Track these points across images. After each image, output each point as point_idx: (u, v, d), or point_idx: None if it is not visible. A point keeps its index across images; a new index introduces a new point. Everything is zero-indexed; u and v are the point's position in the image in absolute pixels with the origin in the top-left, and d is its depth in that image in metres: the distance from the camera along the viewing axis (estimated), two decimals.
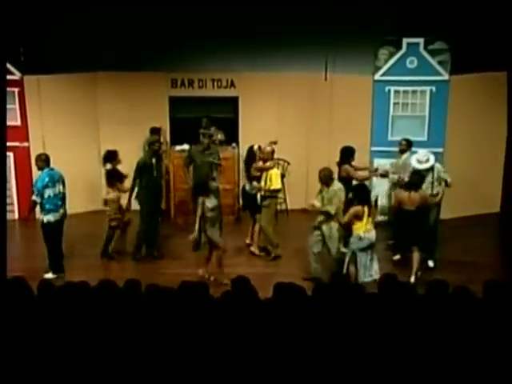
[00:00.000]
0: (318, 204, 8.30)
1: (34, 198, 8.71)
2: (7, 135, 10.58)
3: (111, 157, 9.68)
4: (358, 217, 7.85)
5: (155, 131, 10.76)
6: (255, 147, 9.52)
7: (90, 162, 11.38)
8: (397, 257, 9.25)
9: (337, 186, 8.33)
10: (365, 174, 9.71)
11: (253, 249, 9.53)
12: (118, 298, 5.45)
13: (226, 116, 11.50)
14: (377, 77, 10.71)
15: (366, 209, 7.85)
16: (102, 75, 11.16)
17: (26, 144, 11.06)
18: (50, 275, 8.70)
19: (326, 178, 8.27)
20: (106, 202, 9.47)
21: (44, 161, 8.80)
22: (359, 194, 7.97)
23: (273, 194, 9.27)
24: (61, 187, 8.89)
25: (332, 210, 8.17)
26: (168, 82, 11.36)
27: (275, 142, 9.51)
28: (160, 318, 5.03)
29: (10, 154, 10.97)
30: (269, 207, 9.25)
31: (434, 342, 4.65)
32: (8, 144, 10.61)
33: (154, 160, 9.31)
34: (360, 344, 4.66)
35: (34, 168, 10.21)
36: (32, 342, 4.80)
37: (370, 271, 7.90)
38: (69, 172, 10.97)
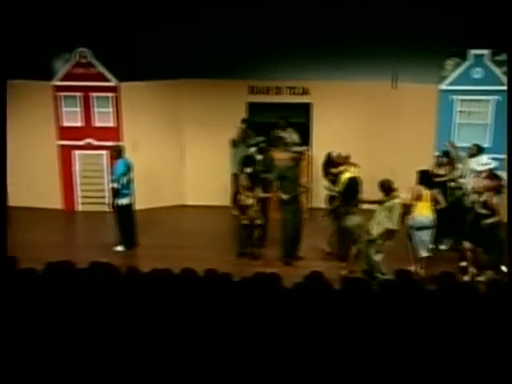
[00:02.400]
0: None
1: (113, 185, 9.33)
2: (103, 135, 11.15)
3: (251, 161, 9.82)
4: (419, 197, 8.01)
5: (245, 121, 10.98)
6: (333, 153, 9.35)
7: (173, 161, 11.67)
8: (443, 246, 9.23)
9: (397, 198, 8.14)
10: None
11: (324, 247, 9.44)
12: (196, 286, 5.48)
13: (298, 121, 11.51)
14: (443, 86, 10.52)
15: (427, 193, 8.00)
16: (188, 82, 11.36)
17: (119, 144, 11.31)
18: (120, 248, 9.43)
19: (385, 188, 8.12)
20: (242, 206, 9.21)
21: (119, 151, 9.49)
22: (424, 177, 8.11)
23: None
24: (132, 175, 9.46)
25: (393, 226, 8.07)
26: (246, 89, 11.45)
27: (347, 157, 9.30)
28: (231, 307, 5.03)
29: (105, 153, 11.28)
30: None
31: (498, 340, 4.54)
32: (103, 143, 11.15)
33: (259, 156, 9.63)
34: (422, 339, 4.58)
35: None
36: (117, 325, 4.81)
37: (426, 248, 8.12)
38: (155, 169, 11.44)
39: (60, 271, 5.69)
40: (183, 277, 5.62)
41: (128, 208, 9.52)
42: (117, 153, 9.54)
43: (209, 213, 11.37)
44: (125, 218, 9.52)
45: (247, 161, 9.88)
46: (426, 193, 8.25)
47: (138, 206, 10.17)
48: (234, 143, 10.92)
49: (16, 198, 11.74)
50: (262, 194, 9.26)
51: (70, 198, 11.64)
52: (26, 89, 11.22)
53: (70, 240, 10.41)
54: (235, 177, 10.90)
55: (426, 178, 8.61)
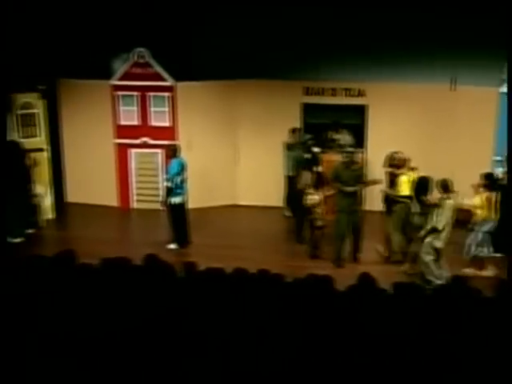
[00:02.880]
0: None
1: (167, 184, 9.52)
2: (159, 134, 11.31)
3: (317, 161, 9.83)
4: (489, 201, 8.14)
5: (295, 131, 10.98)
6: (397, 155, 9.25)
7: (227, 161, 11.76)
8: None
9: (451, 200, 8.12)
10: None
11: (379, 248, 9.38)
12: (248, 286, 5.54)
13: (353, 123, 11.47)
14: (503, 89, 10.29)
15: (493, 196, 8.15)
16: (243, 83, 11.43)
17: (174, 143, 11.45)
18: (173, 246, 9.62)
19: (444, 187, 8.12)
20: (309, 206, 9.27)
21: (174, 150, 9.66)
22: (489, 181, 8.20)
23: (400, 199, 8.97)
24: (186, 174, 9.63)
25: (440, 226, 8.05)
26: (301, 90, 11.47)
27: (406, 160, 9.22)
28: (283, 308, 5.05)
29: (160, 152, 11.45)
30: (396, 212, 9.01)
31: None
32: (158, 142, 11.29)
33: (308, 156, 9.66)
34: (476, 347, 4.53)
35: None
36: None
37: (481, 249, 8.17)
38: (209, 169, 11.56)
39: (116, 267, 5.80)
40: (236, 276, 5.68)
41: (181, 207, 9.67)
42: (172, 152, 9.70)
43: (261, 213, 11.41)
44: (178, 216, 9.69)
45: (310, 160, 9.86)
46: (492, 196, 8.28)
47: (191, 205, 10.28)
48: (289, 146, 10.94)
49: (74, 194, 12.12)
50: (328, 192, 9.22)
51: (126, 196, 11.85)
52: (85, 88, 11.52)
53: (124, 237, 10.60)
54: (288, 179, 10.95)
55: (490, 182, 8.58)
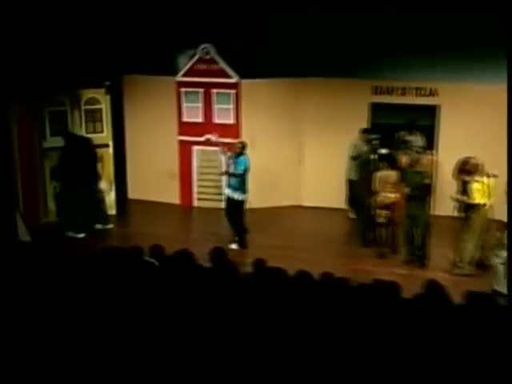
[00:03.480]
0: None
1: (233, 179, 9.64)
2: (223, 132, 11.31)
3: (394, 160, 9.77)
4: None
5: (366, 131, 10.81)
6: (469, 160, 8.94)
7: (291, 160, 11.67)
8: None
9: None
10: None
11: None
12: (311, 289, 5.49)
13: (424, 123, 11.16)
14: None
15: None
16: (309, 81, 11.29)
17: (241, 140, 11.46)
18: (234, 246, 9.70)
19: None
20: (386, 205, 9.28)
21: (243, 147, 9.70)
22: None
23: (471, 208, 8.64)
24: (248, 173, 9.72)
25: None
26: (370, 89, 11.26)
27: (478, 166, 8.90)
28: (347, 313, 5.00)
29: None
30: (467, 221, 8.69)
31: None
32: (222, 140, 11.29)
33: (373, 156, 9.54)
34: None
35: None
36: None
37: None
38: (272, 168, 11.48)
39: (180, 264, 5.87)
40: (299, 279, 5.63)
41: (243, 204, 9.75)
42: (241, 148, 9.73)
43: (324, 215, 11.28)
44: (241, 212, 9.74)
45: (387, 158, 9.71)
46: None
47: (253, 205, 10.28)
48: (355, 157, 10.67)
49: (136, 191, 12.29)
50: (406, 189, 9.05)
51: (188, 194, 11.91)
52: (150, 84, 11.63)
53: (186, 234, 10.63)
54: (349, 183, 10.84)
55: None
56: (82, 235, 10.21)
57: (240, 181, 9.63)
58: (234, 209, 9.76)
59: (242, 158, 9.69)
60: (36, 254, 6.55)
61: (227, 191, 9.88)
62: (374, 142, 10.36)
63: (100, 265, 5.96)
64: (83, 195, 10.29)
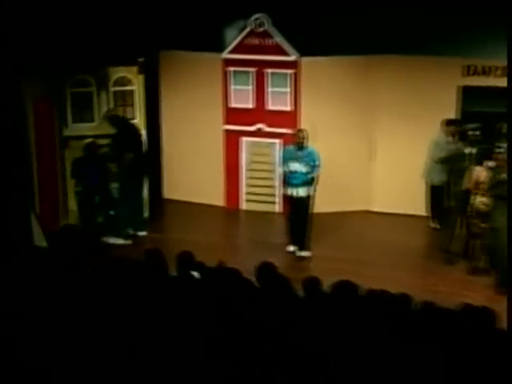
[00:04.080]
0: None
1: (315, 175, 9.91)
2: (277, 120, 11.24)
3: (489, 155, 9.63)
4: None
5: (453, 123, 10.61)
6: None
7: (360, 156, 11.56)
8: None
9: None
10: None
11: None
12: (385, 313, 5.44)
13: None
14: None
15: None
16: (383, 59, 11.11)
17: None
18: (292, 248, 10.04)
19: None
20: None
21: (305, 138, 9.88)
22: None
23: None
24: None
25: None
26: (460, 70, 10.98)
27: None
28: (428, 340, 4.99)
29: (278, 141, 11.43)
30: None
31: None
32: (276, 130, 11.30)
33: (469, 150, 9.49)
34: None
35: None
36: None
37: None
38: (336, 165, 11.33)
39: (224, 278, 5.93)
40: (370, 300, 5.60)
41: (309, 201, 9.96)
42: (303, 138, 9.85)
43: (399, 222, 11.16)
44: (305, 213, 9.92)
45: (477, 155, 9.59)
46: None
47: (314, 209, 10.22)
48: (444, 160, 10.40)
49: (173, 189, 12.33)
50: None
51: (234, 194, 11.94)
52: (191, 62, 11.67)
53: (231, 242, 10.73)
54: (432, 189, 10.74)
55: None
56: (121, 242, 10.40)
57: (309, 177, 9.81)
58: (301, 209, 9.89)
59: (310, 149, 9.88)
60: (53, 261, 6.69)
61: (289, 190, 9.92)
62: (470, 133, 10.08)
63: (127, 276, 6.05)
64: (128, 195, 10.45)
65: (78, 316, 5.35)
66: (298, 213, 9.96)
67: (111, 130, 10.63)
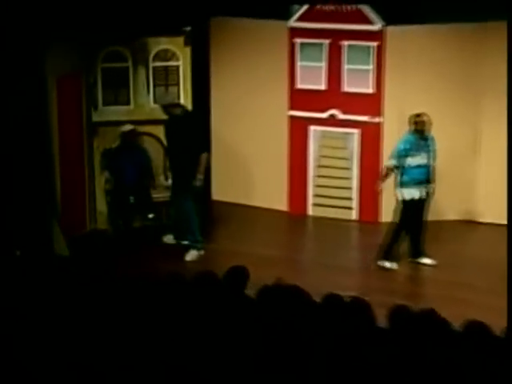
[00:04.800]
0: None
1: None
2: (356, 106, 11.26)
3: None
4: None
5: None
6: None
7: (463, 151, 11.48)
8: None
9: None
10: None
11: None
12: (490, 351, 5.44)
13: None
14: None
15: None
16: (492, 27, 10.88)
17: (377, 119, 11.36)
18: (388, 264, 10.08)
19: None
20: None
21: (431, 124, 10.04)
22: None
23: None
24: None
25: None
26: None
27: None
28: None
29: (356, 132, 11.40)
30: None
31: None
32: (354, 118, 11.29)
33: None
34: None
35: (386, 153, 10.58)
36: None
37: None
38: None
39: (287, 300, 5.96)
40: (470, 335, 5.57)
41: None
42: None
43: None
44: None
45: None
46: None
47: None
48: None
49: (223, 190, 12.32)
50: None
51: (299, 196, 11.92)
52: (249, 32, 11.73)
53: (294, 257, 10.69)
54: None
55: None
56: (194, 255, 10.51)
57: (428, 171, 10.02)
58: (422, 212, 10.06)
59: (431, 136, 10.07)
60: (77, 273, 6.85)
61: (412, 191, 9.94)
62: None
63: (169, 296, 6.17)
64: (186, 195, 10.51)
65: (104, 340, 5.52)
66: (418, 217, 10.03)
67: (152, 115, 10.76)
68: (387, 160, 10.22)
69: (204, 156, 10.34)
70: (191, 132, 10.26)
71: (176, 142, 10.37)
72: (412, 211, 10.01)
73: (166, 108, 10.37)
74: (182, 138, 10.24)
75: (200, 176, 10.28)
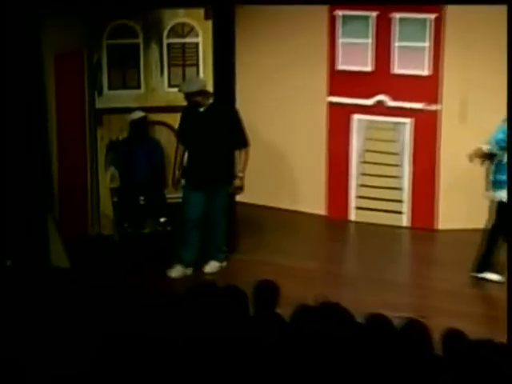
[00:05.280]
0: None
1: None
2: (409, 90, 11.36)
3: None
4: None
5: None
6: None
7: None
8: None
9: None
10: None
11: None
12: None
13: None
14: None
15: None
16: None
17: (434, 107, 11.26)
18: (495, 276, 10.10)
19: None
20: None
21: None
22: None
23: None
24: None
25: None
26: None
27: None
28: None
29: (408, 122, 11.35)
30: None
31: None
32: (406, 105, 11.40)
33: None
34: None
35: (444, 147, 10.41)
36: None
37: None
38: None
39: (326, 322, 5.97)
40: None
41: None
42: None
43: None
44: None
45: None
46: None
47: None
48: None
49: (249, 189, 12.03)
50: None
51: (340, 198, 11.88)
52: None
53: (334, 269, 10.67)
54: None
55: None
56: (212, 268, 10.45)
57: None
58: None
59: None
60: (76, 287, 6.93)
61: (497, 192, 9.91)
62: None
63: (179, 315, 6.25)
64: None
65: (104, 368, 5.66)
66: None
67: (167, 100, 10.80)
68: (484, 145, 10.06)
69: (244, 151, 10.30)
70: (227, 124, 10.16)
71: (205, 136, 10.19)
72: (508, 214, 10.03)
73: (192, 96, 10.14)
74: (213, 131, 10.12)
75: (240, 174, 10.27)
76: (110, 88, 10.85)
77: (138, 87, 10.92)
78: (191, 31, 11.02)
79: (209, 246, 10.47)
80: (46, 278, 7.60)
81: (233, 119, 10.25)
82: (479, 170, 10.79)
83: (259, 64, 12.02)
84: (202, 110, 10.16)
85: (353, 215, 11.94)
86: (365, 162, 11.76)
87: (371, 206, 11.79)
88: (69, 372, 5.62)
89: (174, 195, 10.89)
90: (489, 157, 9.89)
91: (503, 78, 11.03)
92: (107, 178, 10.81)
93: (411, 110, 11.28)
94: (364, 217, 11.84)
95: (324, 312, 6.13)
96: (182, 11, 10.96)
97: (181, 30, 11.01)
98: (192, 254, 10.32)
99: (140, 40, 10.87)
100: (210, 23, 10.98)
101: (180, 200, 10.72)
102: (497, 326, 8.11)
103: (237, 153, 10.37)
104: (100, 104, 10.81)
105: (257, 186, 11.89)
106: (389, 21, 11.30)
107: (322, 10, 11.50)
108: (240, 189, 10.50)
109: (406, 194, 11.53)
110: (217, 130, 10.11)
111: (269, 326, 6.31)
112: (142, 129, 10.65)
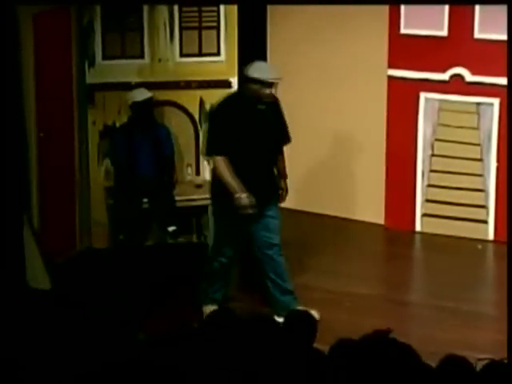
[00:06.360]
0: None
1: None
2: (493, 61, 11.33)
3: None
4: None
5: None
6: None
7: None
8: None
9: None
10: None
11: None
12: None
13: None
14: None
15: None
16: None
17: None
18: None
19: None
20: None
21: None
22: None
23: None
24: None
25: None
26: None
27: None
28: None
29: (494, 102, 11.42)
30: None
31: None
32: (491, 80, 11.46)
33: None
34: None
35: None
36: None
37: None
38: None
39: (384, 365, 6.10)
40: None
41: None
42: None
43: None
44: None
45: None
46: None
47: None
48: None
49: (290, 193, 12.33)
50: None
51: (403, 203, 12.02)
52: None
53: (396, 296, 10.77)
54: None
55: None
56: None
57: None
58: None
59: None
60: (59, 314, 7.10)
61: None
62: None
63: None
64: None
65: None
66: None
67: (179, 74, 11.01)
68: None
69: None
70: (277, 116, 9.99)
71: (264, 139, 9.99)
72: None
73: (270, 86, 9.59)
74: (271, 130, 9.85)
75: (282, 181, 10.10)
76: (104, 57, 10.90)
77: (141, 56, 10.98)
78: None
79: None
80: (21, 302, 7.73)
81: (276, 107, 9.91)
82: None
83: (301, 30, 12.20)
84: (262, 106, 9.69)
85: (419, 224, 12.11)
86: (436, 156, 11.86)
87: (443, 213, 11.89)
88: None
89: (186, 197, 11.00)
90: None
91: None
92: (101, 175, 10.94)
93: (498, 86, 11.28)
94: (434, 227, 12.00)
95: (373, 348, 6.28)
96: None
97: None
98: (227, 290, 10.20)
99: None
100: None
101: (197, 203, 10.93)
102: None
103: None
104: (92, 78, 10.88)
105: (299, 189, 11.84)
106: None
107: None
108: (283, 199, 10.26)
109: (491, 199, 11.58)
110: (273, 127, 9.83)
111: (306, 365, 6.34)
112: (146, 112, 10.55)
